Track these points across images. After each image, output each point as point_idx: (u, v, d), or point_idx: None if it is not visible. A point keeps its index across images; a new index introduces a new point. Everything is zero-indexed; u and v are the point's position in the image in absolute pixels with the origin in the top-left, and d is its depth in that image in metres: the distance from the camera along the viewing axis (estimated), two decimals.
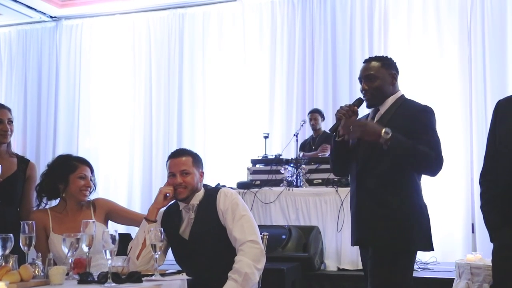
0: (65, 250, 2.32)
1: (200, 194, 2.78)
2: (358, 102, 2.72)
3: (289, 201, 4.86)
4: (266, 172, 5.07)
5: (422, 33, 5.85)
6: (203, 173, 2.83)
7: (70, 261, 2.34)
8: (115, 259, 2.26)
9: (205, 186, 2.87)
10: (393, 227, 2.53)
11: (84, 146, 6.95)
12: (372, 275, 2.54)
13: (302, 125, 5.52)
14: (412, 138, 2.48)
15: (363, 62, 2.76)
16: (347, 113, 2.60)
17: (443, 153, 2.56)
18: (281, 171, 5.02)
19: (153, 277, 2.29)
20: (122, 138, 6.86)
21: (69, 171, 3.01)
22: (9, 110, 3.38)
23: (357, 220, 2.63)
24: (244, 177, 5.24)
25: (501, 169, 2.26)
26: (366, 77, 2.68)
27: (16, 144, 6.88)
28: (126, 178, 6.76)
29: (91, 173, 3.09)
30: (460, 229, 5.47)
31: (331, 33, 6.17)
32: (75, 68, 7.13)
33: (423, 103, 2.66)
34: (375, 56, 2.79)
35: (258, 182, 5.05)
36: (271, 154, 5.26)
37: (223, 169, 6.20)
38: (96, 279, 2.19)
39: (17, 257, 2.33)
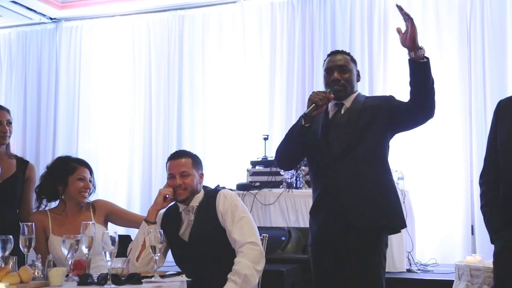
0: (65, 251, 2.33)
1: (199, 196, 2.78)
2: (333, 92, 2.63)
3: (289, 202, 4.85)
4: (266, 174, 5.07)
5: (421, 35, 5.82)
6: (202, 174, 2.83)
7: (69, 262, 2.34)
8: (115, 260, 2.27)
9: (205, 187, 2.88)
10: (390, 207, 2.58)
11: (84, 147, 6.94)
12: (362, 259, 2.52)
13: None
14: (396, 107, 2.56)
15: (330, 54, 2.75)
16: (323, 99, 2.54)
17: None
18: (280, 172, 5.02)
19: (152, 279, 2.29)
20: (122, 139, 6.85)
21: (68, 172, 3.01)
22: (7, 111, 3.39)
23: (345, 206, 2.53)
24: (243, 178, 5.24)
25: (503, 171, 2.26)
26: (339, 67, 2.67)
27: (16, 146, 6.88)
28: (125, 180, 6.76)
29: (90, 175, 3.10)
30: (460, 231, 5.46)
31: (331, 35, 6.17)
32: (75, 69, 7.12)
33: None
34: (342, 50, 2.79)
35: (257, 184, 5.04)
36: (271, 156, 5.25)
37: (223, 170, 6.19)
38: (95, 280, 2.20)
39: (17, 259, 2.34)
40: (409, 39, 2.51)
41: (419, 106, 2.49)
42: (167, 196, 2.75)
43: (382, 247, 2.56)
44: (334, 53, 2.75)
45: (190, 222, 2.75)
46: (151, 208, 2.78)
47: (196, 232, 2.72)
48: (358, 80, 2.74)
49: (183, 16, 6.75)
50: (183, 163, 2.76)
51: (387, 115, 2.58)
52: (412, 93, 2.51)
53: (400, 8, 2.53)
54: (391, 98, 2.68)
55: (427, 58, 2.47)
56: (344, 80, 2.66)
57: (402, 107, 2.58)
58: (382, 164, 2.61)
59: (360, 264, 2.53)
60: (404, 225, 2.65)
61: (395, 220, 2.60)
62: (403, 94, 2.68)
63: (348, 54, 2.75)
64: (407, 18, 2.51)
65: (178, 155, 2.82)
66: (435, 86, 2.48)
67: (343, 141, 2.58)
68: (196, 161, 2.82)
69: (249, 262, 2.54)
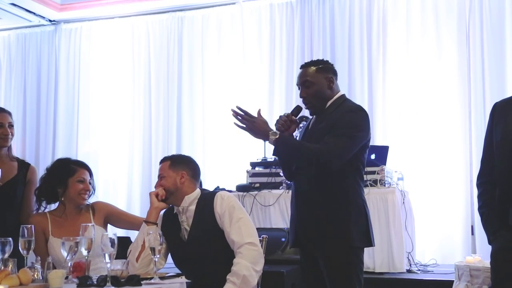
0: (64, 253, 2.33)
1: (191, 197, 2.78)
2: (297, 110, 2.75)
3: (289, 203, 4.80)
4: (266, 175, 5.07)
5: (420, 36, 5.85)
6: (185, 173, 2.80)
7: (69, 264, 2.35)
8: (114, 262, 2.27)
9: (203, 190, 2.89)
10: (331, 226, 2.58)
11: (84, 149, 6.94)
12: (325, 275, 2.60)
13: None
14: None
15: (300, 68, 2.77)
16: (285, 124, 2.63)
17: (347, 153, 2.57)
18: (280, 173, 5.01)
19: (152, 280, 2.30)
20: (122, 141, 6.85)
21: (68, 174, 3.02)
22: (9, 114, 3.40)
23: (294, 220, 2.70)
24: (243, 180, 5.23)
25: (499, 172, 2.27)
26: (302, 83, 2.69)
27: (16, 148, 6.87)
28: (125, 182, 6.76)
29: (90, 177, 3.10)
30: (460, 231, 5.46)
31: (330, 36, 6.17)
32: (74, 71, 7.12)
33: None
34: (311, 61, 2.78)
35: (257, 185, 5.04)
36: (271, 157, 5.25)
37: (223, 172, 6.20)
38: (95, 282, 2.20)
39: (16, 261, 2.34)
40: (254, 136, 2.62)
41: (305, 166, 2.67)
42: (158, 195, 2.79)
43: (339, 264, 2.56)
44: (302, 66, 2.77)
45: (182, 223, 2.77)
46: (149, 209, 2.80)
47: (194, 234, 2.73)
48: (330, 87, 2.70)
49: (182, 17, 6.76)
50: (161, 167, 2.84)
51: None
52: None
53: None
54: (342, 118, 2.60)
55: (276, 143, 2.56)
56: (311, 96, 2.68)
57: None
58: (338, 182, 2.59)
59: (330, 270, 2.60)
60: (359, 243, 2.59)
61: (342, 239, 2.56)
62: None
63: (316, 63, 2.73)
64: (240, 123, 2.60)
65: (160, 161, 2.90)
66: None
67: None
68: (175, 162, 2.84)
69: (247, 263, 2.55)
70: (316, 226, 2.59)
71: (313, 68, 2.70)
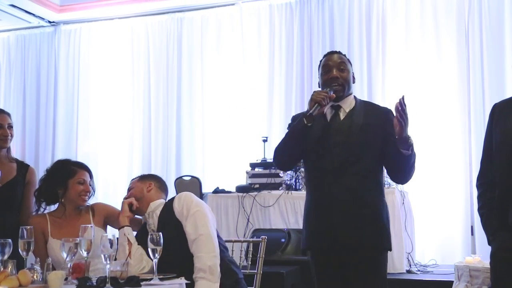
0: (64, 255, 2.33)
1: (156, 203, 2.90)
2: (335, 91, 2.59)
3: (288, 204, 4.86)
4: (265, 176, 5.07)
5: (420, 37, 5.85)
6: (152, 183, 2.99)
7: (68, 265, 2.35)
8: (114, 263, 2.27)
9: None
10: (377, 227, 2.56)
11: (83, 150, 6.94)
12: (356, 278, 2.53)
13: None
14: (388, 140, 2.51)
15: (329, 54, 2.72)
16: (325, 99, 2.50)
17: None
18: (280, 174, 5.02)
19: (151, 281, 2.30)
20: (121, 142, 6.85)
21: (67, 176, 3.02)
22: (9, 115, 3.41)
23: (332, 220, 2.52)
24: (243, 180, 5.24)
25: (498, 172, 2.27)
26: (338, 65, 2.62)
27: (15, 149, 6.87)
28: (125, 183, 6.70)
29: (90, 178, 3.10)
30: (459, 232, 5.46)
31: (329, 37, 6.17)
32: (74, 72, 7.13)
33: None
34: (339, 51, 2.76)
35: (257, 186, 5.04)
36: (270, 158, 5.25)
37: (222, 173, 6.20)
38: (94, 283, 2.20)
39: (16, 262, 2.34)
40: (402, 140, 2.46)
41: (395, 178, 2.67)
42: (132, 204, 2.91)
43: (374, 268, 2.55)
44: (332, 52, 2.72)
45: (150, 226, 2.86)
46: (120, 216, 2.92)
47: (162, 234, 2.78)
48: (353, 82, 2.71)
49: (181, 18, 6.76)
50: (130, 183, 3.06)
51: (383, 137, 2.55)
52: (390, 168, 2.62)
53: (400, 104, 2.41)
54: (388, 121, 2.56)
55: (412, 149, 2.48)
56: (343, 79, 2.61)
57: (387, 152, 2.56)
58: (377, 184, 2.62)
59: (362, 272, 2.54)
60: (389, 248, 2.62)
61: (386, 241, 2.59)
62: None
63: (345, 55, 2.73)
64: (402, 116, 2.41)
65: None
66: (414, 156, 2.53)
67: (345, 147, 2.54)
68: (144, 177, 3.07)
69: (207, 254, 2.61)
70: (355, 228, 2.51)
71: (345, 57, 2.70)
